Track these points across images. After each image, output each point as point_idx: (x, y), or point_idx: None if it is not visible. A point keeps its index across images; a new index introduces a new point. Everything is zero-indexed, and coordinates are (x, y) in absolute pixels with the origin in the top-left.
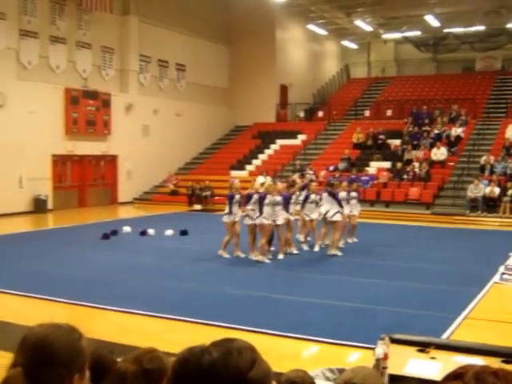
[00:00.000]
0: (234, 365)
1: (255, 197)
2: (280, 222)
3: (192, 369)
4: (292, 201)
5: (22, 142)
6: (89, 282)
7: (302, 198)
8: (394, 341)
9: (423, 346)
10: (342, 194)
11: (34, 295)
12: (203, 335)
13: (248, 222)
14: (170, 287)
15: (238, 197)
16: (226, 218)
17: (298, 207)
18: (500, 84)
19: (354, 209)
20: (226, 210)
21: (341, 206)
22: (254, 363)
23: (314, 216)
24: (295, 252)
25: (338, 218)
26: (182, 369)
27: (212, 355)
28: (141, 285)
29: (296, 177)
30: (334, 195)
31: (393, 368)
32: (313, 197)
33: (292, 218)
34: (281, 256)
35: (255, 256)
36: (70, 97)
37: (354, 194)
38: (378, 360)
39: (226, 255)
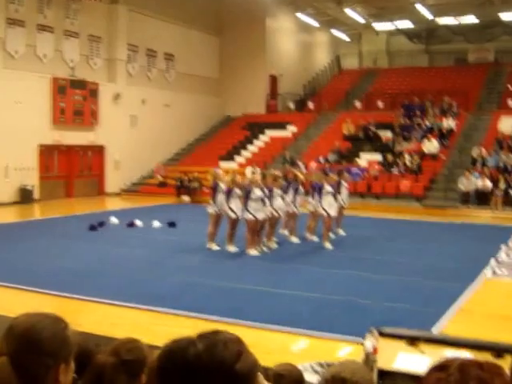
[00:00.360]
0: (219, 357)
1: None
2: (261, 216)
3: (177, 361)
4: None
5: (9, 131)
6: (76, 274)
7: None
8: (383, 335)
9: (413, 340)
10: (327, 188)
11: (20, 286)
12: (191, 328)
13: (231, 215)
14: (157, 279)
15: (222, 187)
16: (210, 209)
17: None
18: (493, 76)
19: (344, 200)
20: (211, 201)
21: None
22: (240, 355)
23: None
24: (275, 246)
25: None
26: (168, 361)
27: (198, 347)
28: (128, 277)
29: (279, 171)
30: (315, 188)
31: (382, 362)
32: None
33: (278, 213)
34: (254, 252)
35: (232, 248)
36: (57, 86)
37: (344, 184)
38: (367, 354)
39: (215, 247)
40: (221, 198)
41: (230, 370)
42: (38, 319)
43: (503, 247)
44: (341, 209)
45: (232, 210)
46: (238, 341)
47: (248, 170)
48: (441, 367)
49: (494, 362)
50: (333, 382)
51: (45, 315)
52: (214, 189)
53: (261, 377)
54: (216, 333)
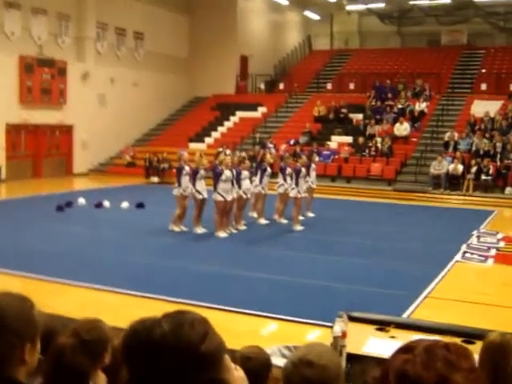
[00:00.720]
0: (185, 337)
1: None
2: (230, 198)
3: (143, 341)
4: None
5: None
6: (43, 255)
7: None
8: (352, 319)
9: (383, 325)
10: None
11: None
12: (160, 311)
13: (198, 196)
14: (125, 261)
15: (187, 169)
16: (176, 192)
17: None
18: (466, 59)
19: (313, 181)
20: (176, 183)
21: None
22: (206, 336)
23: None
24: (243, 228)
25: (294, 193)
26: (133, 341)
27: (163, 327)
28: (96, 258)
29: (244, 154)
30: (281, 170)
31: (351, 347)
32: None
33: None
34: (223, 234)
35: (199, 230)
36: (24, 65)
37: (313, 166)
38: (335, 338)
39: (177, 229)
40: (186, 179)
41: (195, 350)
42: (3, 298)
43: (474, 231)
44: (310, 191)
45: (198, 192)
46: (204, 321)
47: (220, 152)
48: (407, 349)
49: (460, 344)
50: (299, 364)
51: (10, 294)
52: (179, 171)
53: (228, 359)
54: (182, 313)
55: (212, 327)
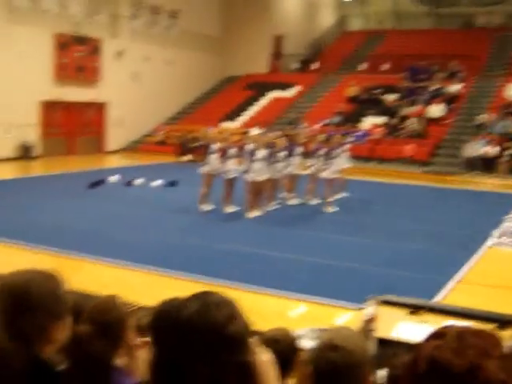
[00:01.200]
0: (211, 319)
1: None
2: (263, 178)
3: (170, 321)
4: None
5: (10, 87)
6: (73, 232)
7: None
8: (384, 302)
9: (414, 309)
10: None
11: (17, 243)
12: (185, 290)
13: (229, 175)
14: (153, 240)
15: (214, 147)
16: (202, 170)
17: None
18: (501, 41)
19: (346, 162)
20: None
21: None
22: (232, 318)
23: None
24: (274, 208)
25: (326, 174)
26: (160, 321)
27: (190, 308)
28: (125, 236)
29: (279, 132)
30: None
31: (382, 331)
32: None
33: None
34: (254, 214)
35: (229, 209)
36: (59, 42)
37: (346, 147)
38: (365, 321)
39: (205, 208)
40: (213, 158)
41: (221, 331)
42: (30, 276)
43: (508, 215)
44: (343, 172)
45: (228, 171)
46: (230, 303)
47: (253, 130)
48: (438, 335)
49: (490, 332)
50: (325, 348)
51: (37, 272)
52: (206, 148)
53: (255, 341)
54: (209, 294)
55: (238, 309)
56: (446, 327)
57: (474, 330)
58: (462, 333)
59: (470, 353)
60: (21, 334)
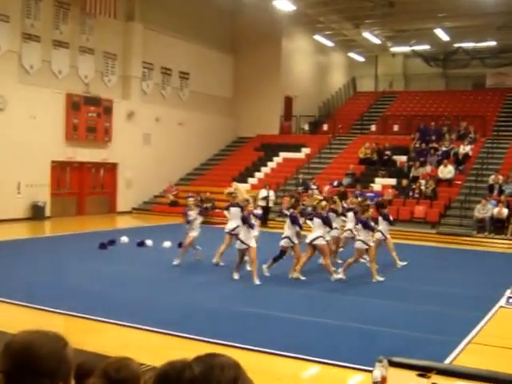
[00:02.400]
0: (215, 381)
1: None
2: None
3: (172, 383)
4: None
5: (22, 146)
6: (86, 293)
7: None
8: (393, 364)
9: (424, 371)
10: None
11: (29, 304)
12: (202, 352)
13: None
14: (169, 301)
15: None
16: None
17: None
18: (511, 101)
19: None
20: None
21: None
22: (237, 381)
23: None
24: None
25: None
26: (162, 382)
27: (193, 371)
28: (139, 297)
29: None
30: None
31: None
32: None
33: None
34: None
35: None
36: (71, 102)
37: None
38: (375, 383)
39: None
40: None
41: None
42: (36, 337)
43: None
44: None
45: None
46: (235, 365)
47: (262, 192)
48: None
49: None
50: None
51: (43, 333)
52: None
53: None
54: (213, 356)
55: (243, 371)
56: None
57: None
58: None
59: None
60: None
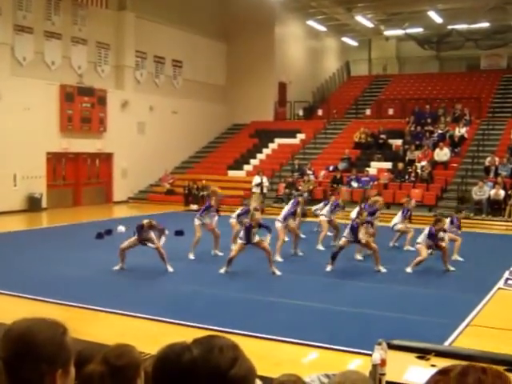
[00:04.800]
0: (214, 362)
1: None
2: None
3: (172, 366)
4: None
5: (17, 139)
6: (83, 283)
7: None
8: (392, 347)
9: (423, 353)
10: None
11: (27, 295)
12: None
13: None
14: (166, 289)
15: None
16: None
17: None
18: (506, 83)
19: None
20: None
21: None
22: (236, 361)
23: None
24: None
25: None
26: (163, 366)
27: (193, 353)
28: (135, 286)
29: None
30: None
31: (391, 375)
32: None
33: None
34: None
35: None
36: (64, 93)
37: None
38: (374, 366)
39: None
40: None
41: (225, 375)
42: (35, 323)
43: None
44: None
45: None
46: (233, 346)
47: (255, 179)
48: (444, 371)
49: (496, 368)
50: None
51: (42, 320)
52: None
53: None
54: (211, 338)
55: (242, 352)
56: (452, 365)
57: (479, 367)
58: (466, 368)
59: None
60: (23, 380)
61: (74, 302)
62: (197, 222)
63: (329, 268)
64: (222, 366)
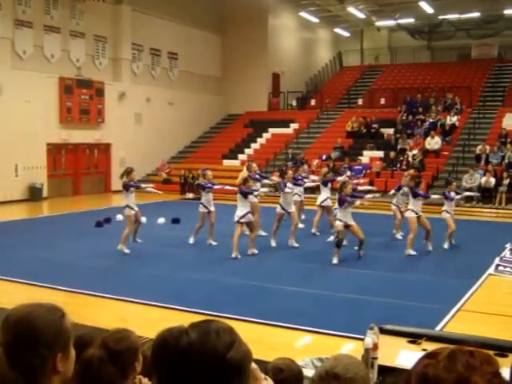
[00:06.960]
0: (211, 346)
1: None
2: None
3: (170, 350)
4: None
5: (18, 130)
6: (83, 269)
7: None
8: (384, 331)
9: (414, 338)
10: None
11: (29, 282)
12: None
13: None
14: (164, 275)
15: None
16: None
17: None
18: (496, 72)
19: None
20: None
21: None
22: (233, 344)
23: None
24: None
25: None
26: (161, 349)
27: (190, 336)
28: (135, 273)
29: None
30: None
31: (383, 359)
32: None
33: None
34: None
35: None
36: (64, 86)
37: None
38: (366, 350)
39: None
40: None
41: (221, 358)
42: (34, 308)
43: (507, 244)
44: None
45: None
46: (230, 330)
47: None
48: (432, 354)
49: (484, 351)
50: (326, 377)
51: (40, 305)
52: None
53: (256, 369)
54: (208, 322)
55: (239, 336)
56: (440, 348)
57: (466, 350)
58: (454, 352)
59: (459, 367)
60: (23, 365)
61: (75, 288)
62: (201, 209)
63: (335, 260)
64: (219, 349)
